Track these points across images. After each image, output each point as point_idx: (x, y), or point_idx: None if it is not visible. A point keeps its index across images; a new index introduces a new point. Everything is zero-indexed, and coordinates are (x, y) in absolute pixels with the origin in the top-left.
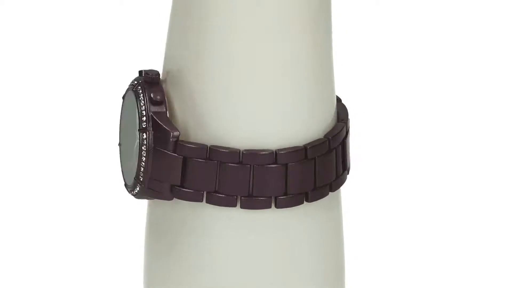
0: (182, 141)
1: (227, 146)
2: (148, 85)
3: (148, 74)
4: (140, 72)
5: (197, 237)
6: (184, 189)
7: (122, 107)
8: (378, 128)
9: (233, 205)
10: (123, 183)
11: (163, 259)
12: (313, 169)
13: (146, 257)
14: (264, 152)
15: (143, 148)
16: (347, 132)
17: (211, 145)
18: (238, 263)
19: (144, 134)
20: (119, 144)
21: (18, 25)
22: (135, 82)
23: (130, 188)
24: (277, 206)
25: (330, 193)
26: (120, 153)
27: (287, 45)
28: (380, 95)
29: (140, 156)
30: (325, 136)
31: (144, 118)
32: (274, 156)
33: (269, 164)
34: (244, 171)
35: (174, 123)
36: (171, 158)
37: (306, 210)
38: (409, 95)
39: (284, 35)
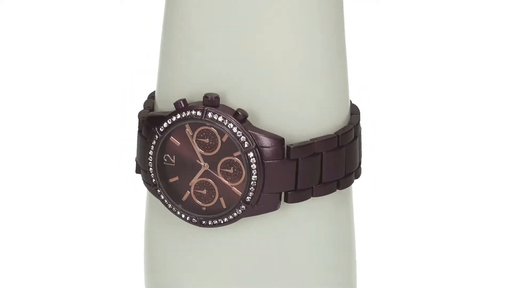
0: (290, 144)
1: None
2: (215, 108)
3: (208, 97)
4: (178, 103)
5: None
6: (298, 191)
7: (158, 150)
8: (378, 127)
9: (334, 190)
10: (197, 219)
11: (163, 259)
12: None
13: (146, 257)
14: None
15: (252, 167)
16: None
17: (311, 139)
18: (243, 260)
19: (250, 153)
20: (155, 185)
21: (18, 25)
22: (194, 112)
23: (219, 216)
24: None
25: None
26: (168, 192)
27: (299, 39)
28: (379, 95)
29: (249, 175)
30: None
31: (243, 138)
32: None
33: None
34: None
35: None
36: (284, 165)
37: (314, 206)
38: (409, 95)
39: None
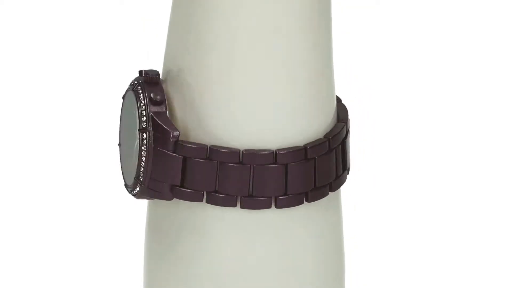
0: (182, 141)
1: (227, 146)
2: (148, 85)
3: (148, 74)
4: (140, 72)
5: (197, 237)
6: (184, 189)
7: (122, 107)
8: (378, 128)
9: (233, 205)
10: (124, 183)
11: (164, 260)
12: (313, 169)
13: (146, 258)
14: (264, 152)
15: (143, 148)
16: (347, 132)
17: (211, 145)
18: (237, 263)
19: (144, 134)
20: (119, 144)
21: (18, 25)
22: (135, 82)
23: (130, 188)
24: (277, 206)
25: (330, 193)
26: (120, 153)
27: (287, 45)
28: (379, 95)
29: (140, 156)
30: (325, 136)
31: (144, 118)
32: (274, 156)
33: (269, 164)
34: (244, 171)
35: (174, 123)
36: (171, 158)
37: (306, 210)
38: (408, 95)
39: (284, 35)
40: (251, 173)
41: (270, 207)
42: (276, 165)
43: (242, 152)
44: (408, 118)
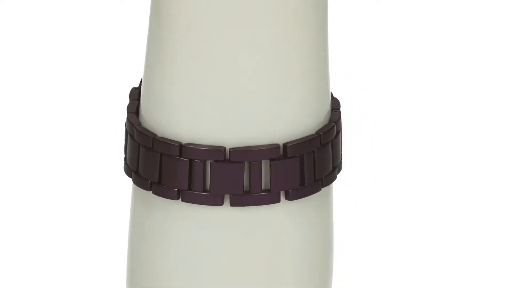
0: (143, 128)
1: (169, 138)
2: None
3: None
4: None
5: (173, 234)
6: (136, 175)
7: None
8: (378, 127)
9: (174, 198)
10: None
11: (143, 258)
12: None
13: (128, 255)
14: (203, 148)
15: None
16: (338, 132)
17: (158, 136)
18: (216, 261)
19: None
20: None
21: (18, 25)
22: None
23: None
24: (231, 204)
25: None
26: None
27: (265, 40)
28: (379, 95)
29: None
30: (316, 132)
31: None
32: (223, 153)
33: (221, 162)
34: (184, 165)
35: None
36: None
37: (275, 209)
38: (408, 95)
39: (262, 29)
40: (191, 168)
41: (221, 204)
42: (229, 163)
43: (183, 145)
44: (407, 118)
